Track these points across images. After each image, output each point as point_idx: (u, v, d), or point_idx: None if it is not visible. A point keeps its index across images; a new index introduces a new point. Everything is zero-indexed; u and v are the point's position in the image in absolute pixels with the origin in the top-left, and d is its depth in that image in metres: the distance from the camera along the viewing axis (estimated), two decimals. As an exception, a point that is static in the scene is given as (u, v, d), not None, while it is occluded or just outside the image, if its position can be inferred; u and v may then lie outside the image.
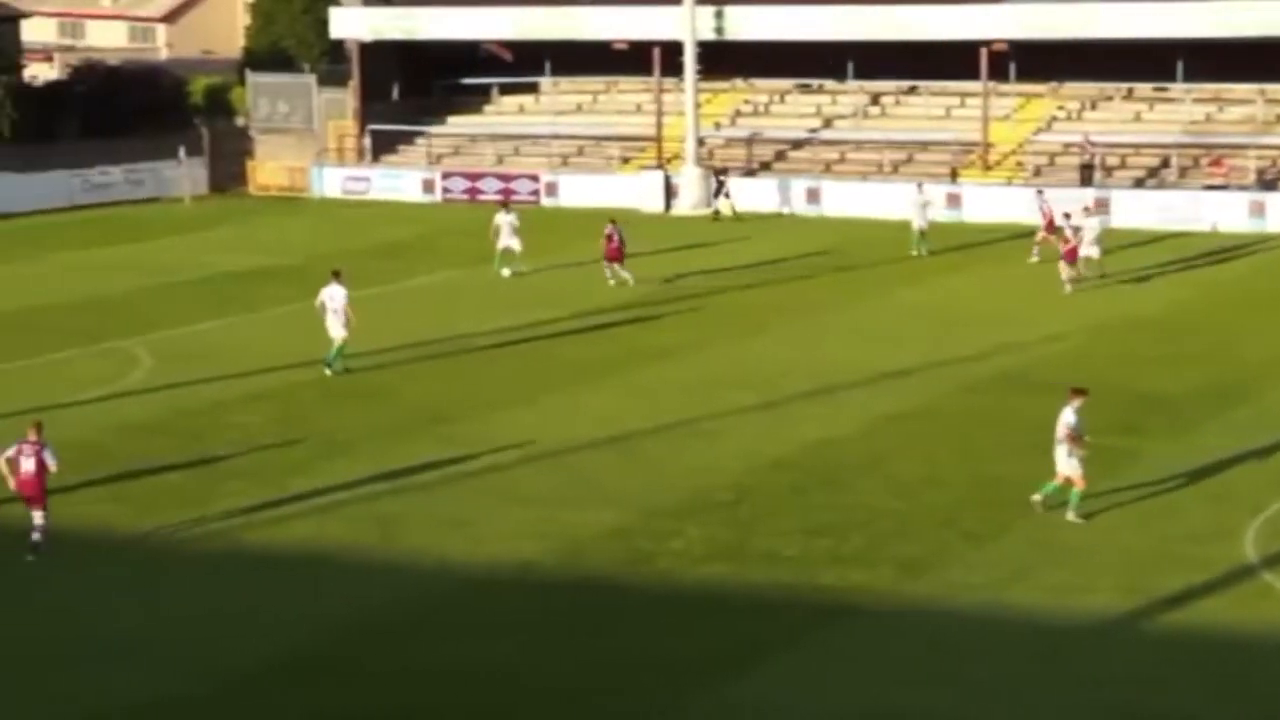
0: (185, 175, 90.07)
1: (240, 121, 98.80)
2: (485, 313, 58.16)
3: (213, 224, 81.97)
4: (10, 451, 35.16)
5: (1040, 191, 70.54)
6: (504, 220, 65.20)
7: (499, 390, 48.18)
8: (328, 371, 48.81)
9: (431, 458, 41.50)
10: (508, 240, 64.81)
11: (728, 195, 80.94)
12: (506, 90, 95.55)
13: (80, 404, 46.78)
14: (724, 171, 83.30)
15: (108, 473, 40.58)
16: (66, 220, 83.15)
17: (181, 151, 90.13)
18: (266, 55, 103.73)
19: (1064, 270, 60.04)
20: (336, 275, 49.69)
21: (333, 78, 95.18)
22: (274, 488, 39.38)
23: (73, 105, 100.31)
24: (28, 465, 34.90)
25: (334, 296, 49.41)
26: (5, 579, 34.29)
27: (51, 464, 35.02)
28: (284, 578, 34.12)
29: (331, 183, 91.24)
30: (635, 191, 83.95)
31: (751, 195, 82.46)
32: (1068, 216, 61.61)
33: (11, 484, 35.48)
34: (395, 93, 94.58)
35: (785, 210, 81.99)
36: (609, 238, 63.32)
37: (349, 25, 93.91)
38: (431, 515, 37.37)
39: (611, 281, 62.82)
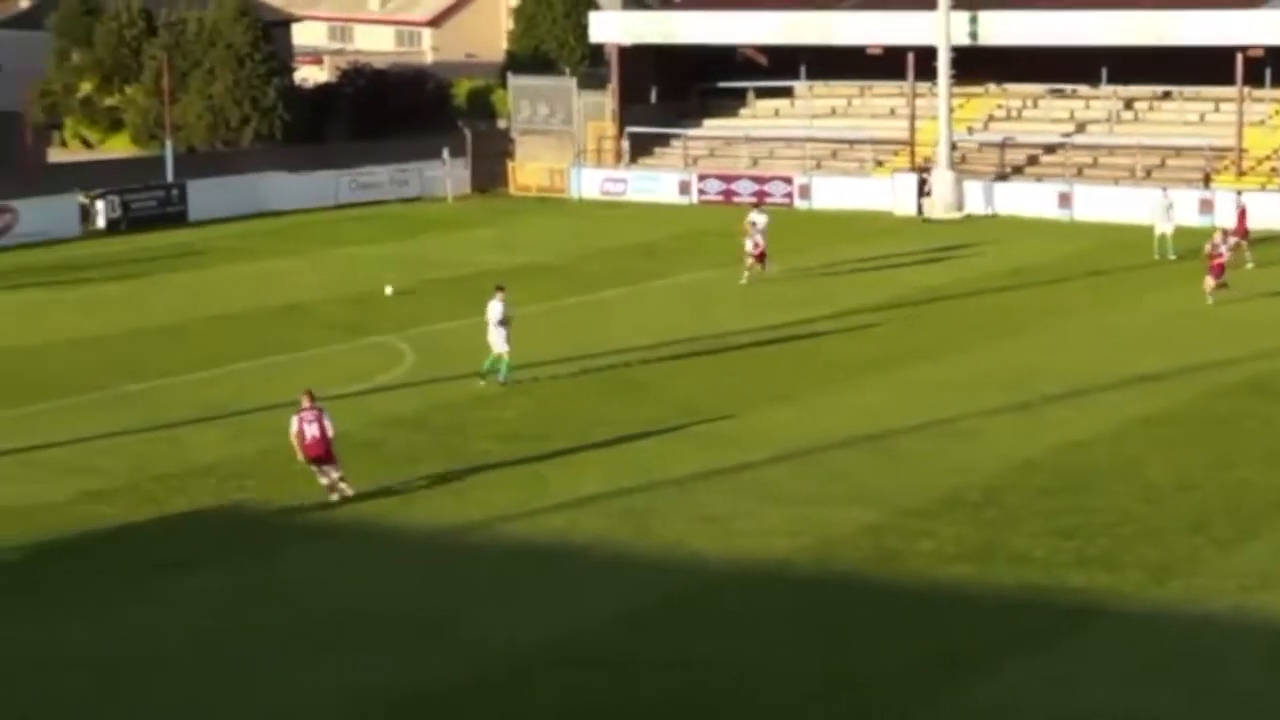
0: (448, 175, 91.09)
1: (502, 123, 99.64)
2: (741, 311, 58.24)
3: (474, 223, 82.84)
4: (294, 425, 37.36)
5: (1239, 193, 69.80)
6: (755, 221, 65.14)
7: (756, 387, 48.24)
8: (481, 383, 48.42)
9: (687, 453, 41.70)
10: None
11: (930, 194, 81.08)
12: (762, 94, 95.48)
13: (346, 396, 47.51)
14: (926, 170, 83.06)
15: (372, 463, 41.26)
16: (335, 218, 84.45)
17: (445, 152, 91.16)
18: (528, 59, 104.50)
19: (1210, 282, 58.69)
20: (500, 290, 49.12)
21: (592, 81, 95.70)
22: (530, 480, 39.79)
23: (341, 107, 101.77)
24: (313, 431, 37.33)
25: (495, 310, 48.41)
26: (275, 565, 35.00)
27: (330, 428, 37.28)
28: (540, 568, 34.45)
29: (590, 184, 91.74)
30: (888, 194, 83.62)
31: (1005, 200, 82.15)
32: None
33: (300, 455, 37.43)
34: (653, 96, 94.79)
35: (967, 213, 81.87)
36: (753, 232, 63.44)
37: (608, 30, 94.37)
38: (685, 510, 37.52)
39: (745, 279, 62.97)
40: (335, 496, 37.91)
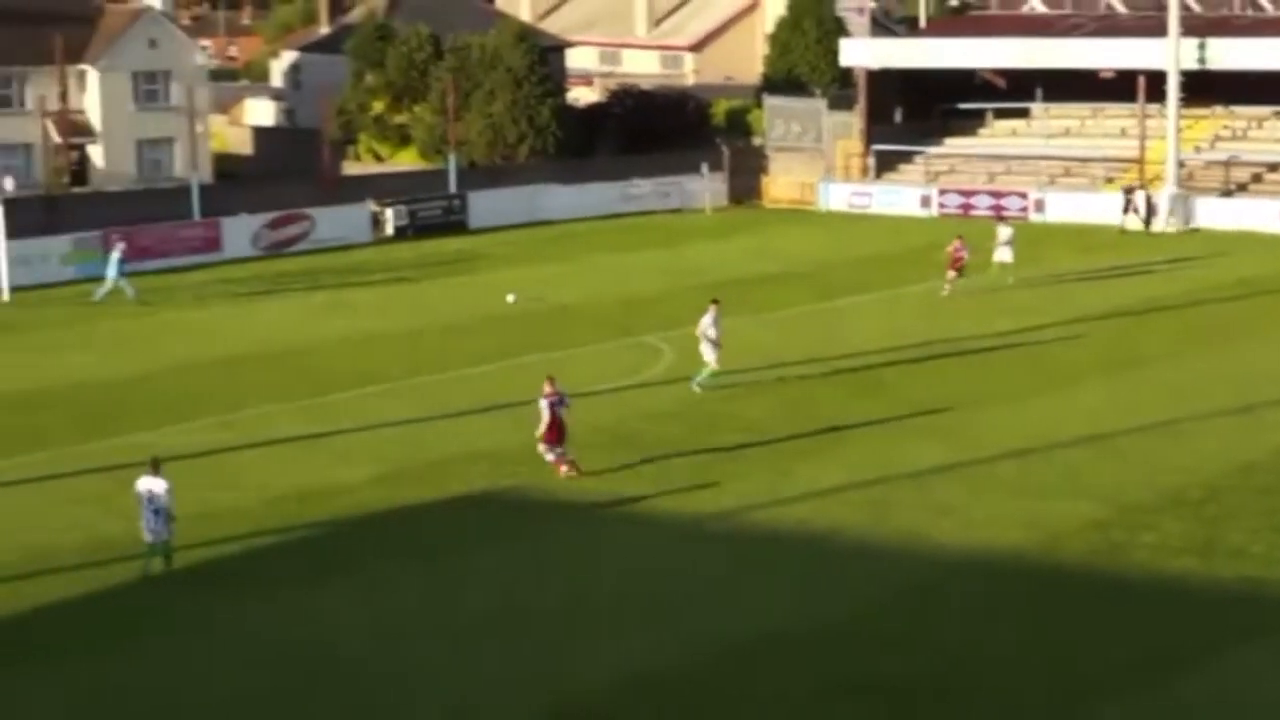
0: (707, 188, 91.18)
1: (756, 140, 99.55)
2: (974, 318, 57.60)
3: (730, 233, 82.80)
4: (543, 410, 38.25)
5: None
6: (1002, 233, 64.41)
7: (987, 388, 47.70)
8: (696, 390, 47.51)
9: (922, 448, 41.36)
10: (1001, 255, 64.01)
11: (1136, 211, 79.77)
12: (1000, 115, 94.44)
13: (610, 391, 47.73)
14: (1132, 190, 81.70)
15: (630, 453, 41.39)
16: (604, 227, 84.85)
17: (704, 167, 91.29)
18: (782, 81, 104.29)
19: None
20: (715, 304, 47.81)
21: (841, 102, 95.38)
22: (778, 472, 39.66)
23: (610, 125, 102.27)
24: (550, 415, 38.29)
25: (706, 323, 47.10)
26: (542, 546, 35.20)
27: (562, 411, 38.34)
28: (783, 555, 34.34)
29: (837, 197, 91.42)
30: (1117, 209, 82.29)
31: (1230, 215, 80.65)
32: None
33: (541, 432, 38.43)
34: (897, 116, 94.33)
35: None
36: (957, 251, 61.49)
37: (857, 55, 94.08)
38: (921, 501, 37.21)
39: (946, 290, 61.42)
40: (564, 470, 38.78)
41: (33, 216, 72.63)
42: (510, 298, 56.71)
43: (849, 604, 31.51)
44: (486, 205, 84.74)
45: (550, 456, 38.94)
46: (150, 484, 32.36)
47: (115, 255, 63.69)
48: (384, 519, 36.83)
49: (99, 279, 64.40)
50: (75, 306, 63.13)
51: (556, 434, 38.70)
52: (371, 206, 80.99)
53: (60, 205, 76.98)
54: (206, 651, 29.16)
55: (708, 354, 47.27)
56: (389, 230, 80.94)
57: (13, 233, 65.63)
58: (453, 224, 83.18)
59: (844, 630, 30.27)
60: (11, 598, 31.95)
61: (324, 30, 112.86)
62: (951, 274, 61.64)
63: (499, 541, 35.30)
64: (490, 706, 27.24)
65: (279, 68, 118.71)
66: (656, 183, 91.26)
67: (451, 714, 26.95)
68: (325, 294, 65.89)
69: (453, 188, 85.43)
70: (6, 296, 64.05)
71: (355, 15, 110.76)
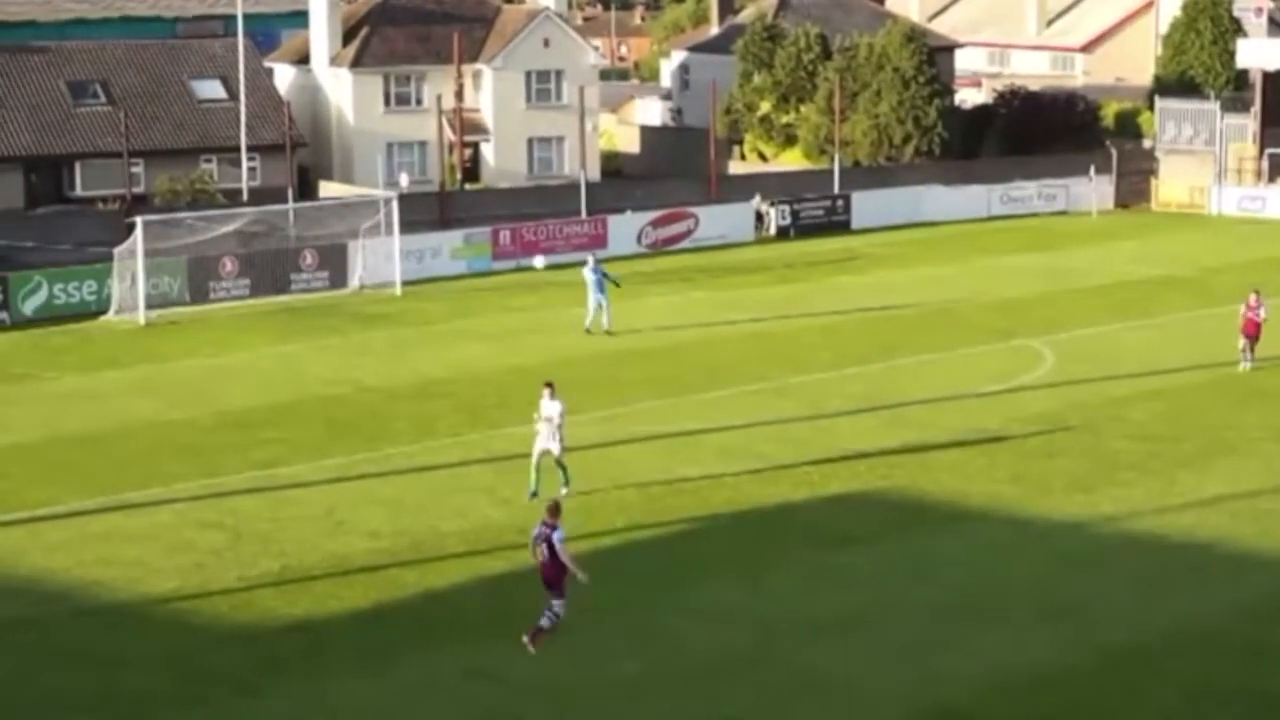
0: (1093, 191, 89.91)
1: (1146, 143, 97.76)
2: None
3: (1116, 236, 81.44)
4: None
5: None
6: None
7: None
8: None
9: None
10: None
11: None
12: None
13: (987, 395, 47.39)
14: None
15: (1011, 456, 41.05)
16: (984, 229, 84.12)
17: (1091, 169, 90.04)
18: (1174, 82, 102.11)
19: None
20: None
21: (1235, 104, 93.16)
22: (1160, 478, 38.99)
23: (996, 126, 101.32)
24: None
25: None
26: (917, 545, 35.15)
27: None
28: (1166, 560, 33.80)
29: (1229, 201, 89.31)
30: None
31: None
32: None
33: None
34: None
35: None
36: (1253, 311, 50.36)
37: (1254, 55, 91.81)
38: (1309, 514, 36.32)
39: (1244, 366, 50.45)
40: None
41: (426, 212, 74.80)
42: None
43: (1231, 610, 30.96)
44: (869, 205, 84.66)
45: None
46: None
47: (591, 275, 57.78)
48: (756, 516, 37.10)
49: (487, 273, 65.86)
50: (464, 299, 64.69)
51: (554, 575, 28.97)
52: (755, 206, 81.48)
53: (453, 201, 79.00)
54: (595, 640, 29.56)
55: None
56: (771, 230, 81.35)
57: (406, 228, 67.57)
58: (835, 224, 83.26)
59: (1225, 636, 29.79)
60: (400, 584, 32.96)
61: (714, 31, 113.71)
62: None
63: (875, 539, 35.35)
64: (861, 702, 27.40)
65: (668, 67, 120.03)
66: (1040, 185, 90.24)
67: (851, 704, 27.15)
68: (706, 291, 66.41)
69: (836, 188, 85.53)
70: (399, 290, 65.93)
71: (745, 16, 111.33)
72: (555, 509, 28.84)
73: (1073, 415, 45.24)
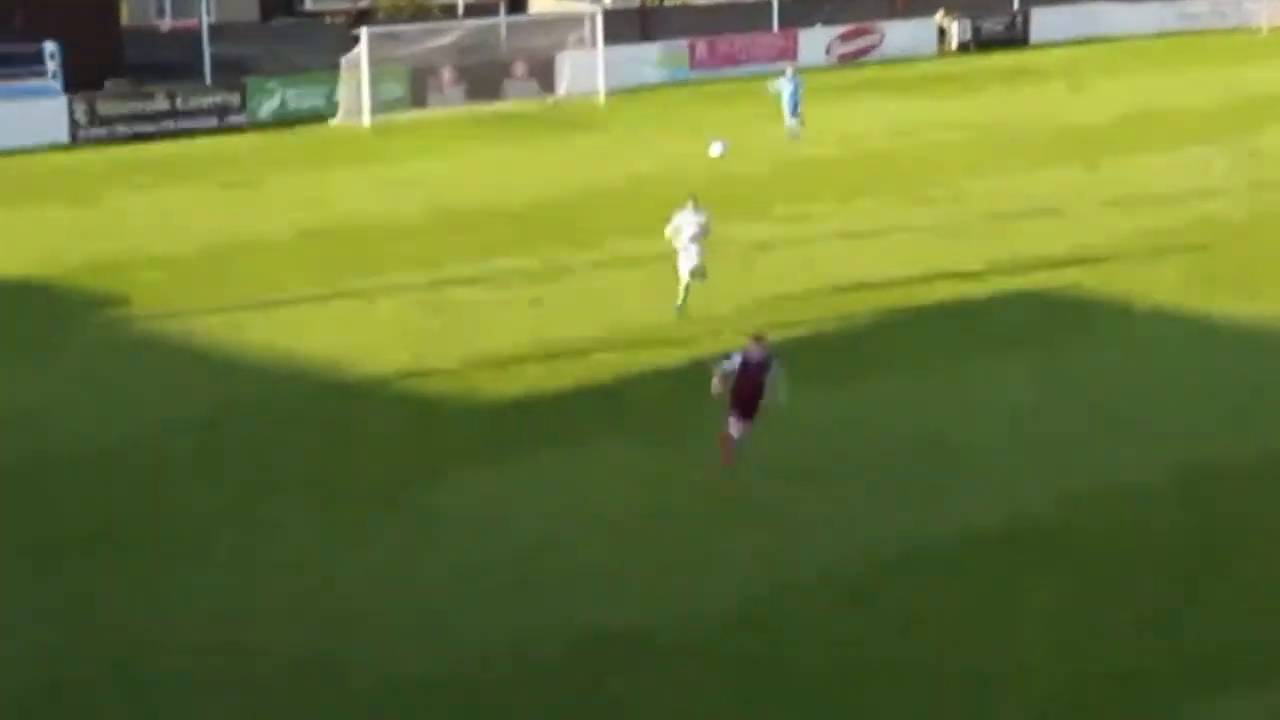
0: (1264, 8, 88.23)
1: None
2: None
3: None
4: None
5: None
6: None
7: None
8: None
9: None
10: None
11: None
12: None
13: (1164, 201, 47.23)
14: None
15: (1182, 261, 41.01)
16: (1159, 44, 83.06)
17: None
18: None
19: None
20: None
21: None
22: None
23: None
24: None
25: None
26: (1095, 337, 35.33)
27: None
28: None
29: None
30: None
31: None
32: None
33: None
34: None
35: None
36: None
37: None
38: None
39: None
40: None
41: (628, 26, 75.08)
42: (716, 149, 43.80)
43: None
44: (1047, 21, 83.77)
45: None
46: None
47: (788, 85, 57.48)
48: (919, 315, 37.33)
49: (685, 83, 66.33)
50: (663, 108, 65.05)
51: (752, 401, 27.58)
52: (938, 20, 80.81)
53: (653, 16, 79.08)
54: (765, 432, 30.01)
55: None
56: (953, 45, 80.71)
57: (609, 40, 67.94)
58: (1015, 39, 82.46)
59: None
60: (601, 368, 33.82)
61: None
62: None
63: (1043, 340, 35.57)
64: (1007, 484, 27.94)
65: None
66: (1213, 2, 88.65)
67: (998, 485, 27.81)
68: (890, 103, 66.23)
69: (1016, 4, 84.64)
70: (602, 99, 66.42)
71: None
72: (762, 336, 27.88)
73: (1248, 222, 44.94)
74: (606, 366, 33.81)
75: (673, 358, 34.17)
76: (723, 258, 38.32)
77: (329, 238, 44.55)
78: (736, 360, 26.78)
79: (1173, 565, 25.04)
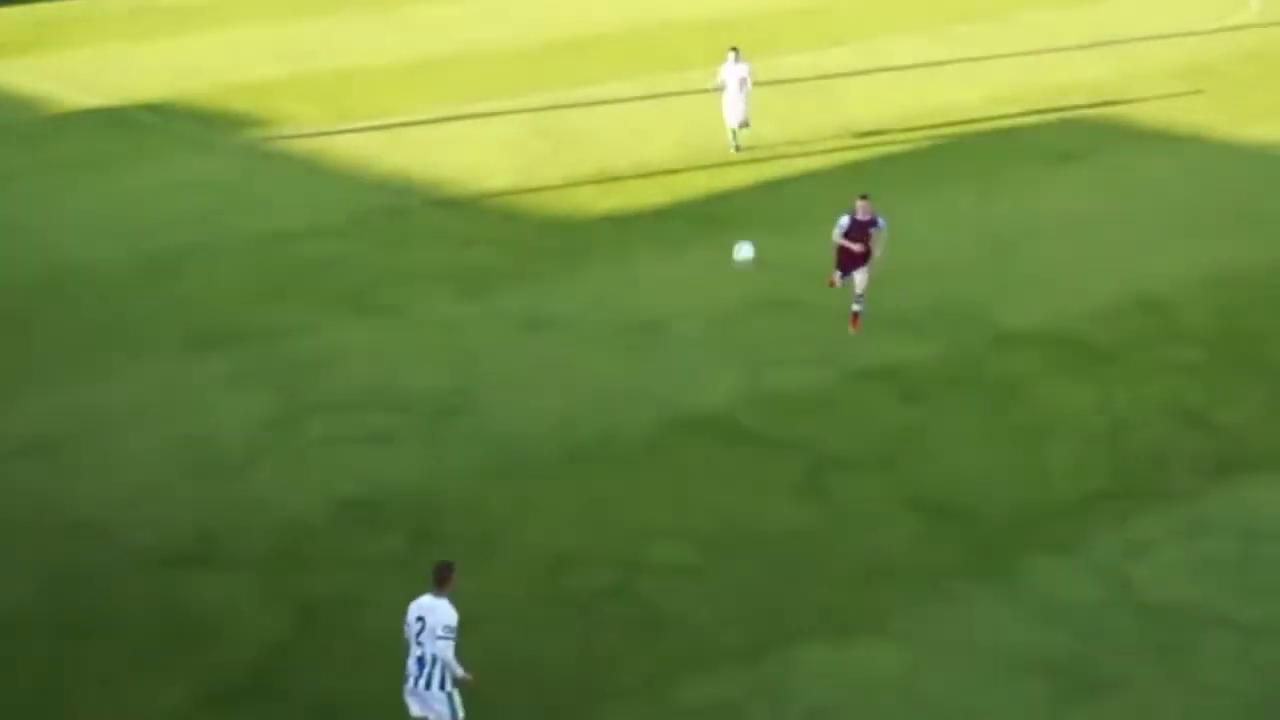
0: None
1: None
2: None
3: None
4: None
5: None
6: None
7: None
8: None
9: None
10: None
11: None
12: None
13: (1201, 33, 46.99)
14: None
15: (1217, 86, 41.18)
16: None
17: None
18: None
19: None
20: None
21: None
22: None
23: None
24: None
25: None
26: (1139, 163, 36.00)
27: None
28: None
29: None
30: None
31: None
32: None
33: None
34: None
35: None
36: None
37: None
38: None
39: None
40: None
41: None
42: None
43: None
44: None
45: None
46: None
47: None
48: (990, 136, 37.68)
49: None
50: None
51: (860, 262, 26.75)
52: None
53: None
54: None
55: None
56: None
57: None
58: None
59: None
60: (692, 185, 34.40)
61: None
62: None
63: (1092, 157, 35.94)
64: (1083, 293, 28.59)
65: None
66: None
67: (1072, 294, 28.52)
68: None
69: None
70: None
71: None
72: (866, 196, 26.48)
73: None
74: (696, 182, 34.46)
75: (753, 174, 34.89)
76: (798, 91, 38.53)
77: (446, 65, 44.90)
78: (845, 221, 26.43)
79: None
